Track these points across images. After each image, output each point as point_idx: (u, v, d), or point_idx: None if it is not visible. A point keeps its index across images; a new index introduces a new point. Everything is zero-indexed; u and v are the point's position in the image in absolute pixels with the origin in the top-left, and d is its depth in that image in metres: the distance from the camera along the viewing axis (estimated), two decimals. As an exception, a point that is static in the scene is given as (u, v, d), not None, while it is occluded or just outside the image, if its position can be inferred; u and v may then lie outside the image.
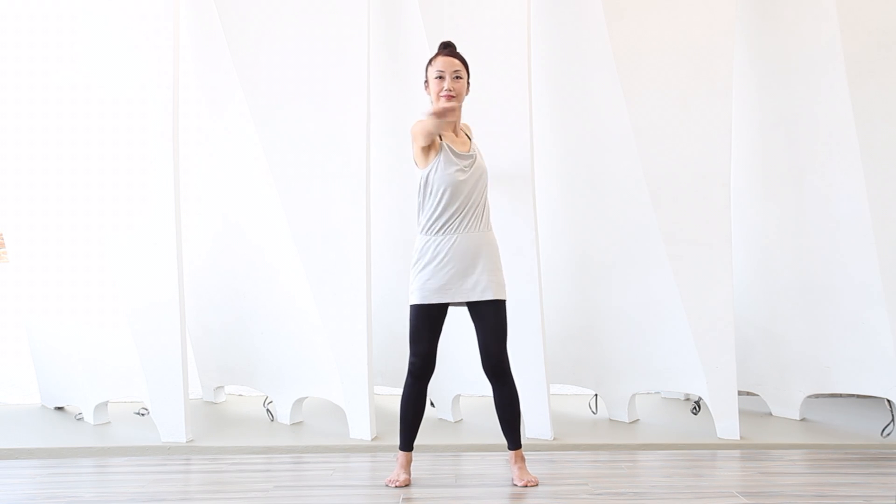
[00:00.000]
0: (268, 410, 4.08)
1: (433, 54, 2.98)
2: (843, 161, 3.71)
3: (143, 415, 3.91)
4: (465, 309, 2.96)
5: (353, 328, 3.60)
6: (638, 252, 3.81)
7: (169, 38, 3.50)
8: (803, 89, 3.83)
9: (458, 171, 2.84)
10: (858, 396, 4.49)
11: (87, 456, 3.50)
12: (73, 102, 3.71)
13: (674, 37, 3.71)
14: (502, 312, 2.91)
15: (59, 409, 4.29)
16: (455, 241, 2.85)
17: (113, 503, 2.78)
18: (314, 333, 3.76)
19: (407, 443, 2.98)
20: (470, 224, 2.87)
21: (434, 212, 2.86)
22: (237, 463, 3.31)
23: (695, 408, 4.08)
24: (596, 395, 4.13)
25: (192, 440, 3.62)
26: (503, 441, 3.01)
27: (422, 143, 2.82)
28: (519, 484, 2.90)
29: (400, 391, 3.21)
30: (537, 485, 2.91)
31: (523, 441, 3.03)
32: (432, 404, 4.01)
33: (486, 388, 3.13)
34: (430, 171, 2.85)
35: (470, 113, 3.03)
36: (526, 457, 3.02)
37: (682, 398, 4.50)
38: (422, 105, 3.71)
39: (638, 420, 4.03)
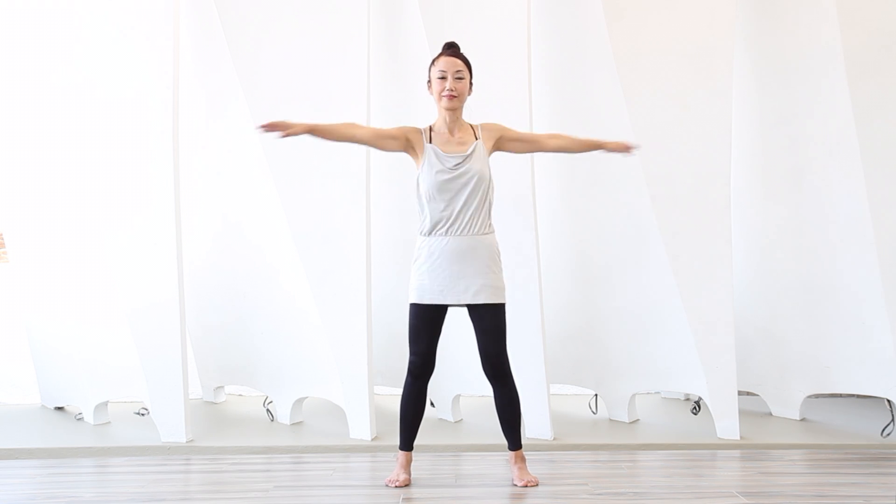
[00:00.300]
0: (268, 410, 4.08)
1: (436, 54, 2.97)
2: (843, 161, 3.71)
3: (143, 415, 3.91)
4: (466, 310, 2.96)
5: (353, 328, 3.60)
6: (638, 252, 3.81)
7: (169, 38, 3.50)
8: (803, 89, 3.83)
9: (439, 172, 2.84)
10: (858, 396, 4.49)
11: (87, 456, 3.50)
12: (73, 102, 3.71)
13: (674, 37, 3.71)
14: (500, 316, 2.88)
15: (59, 409, 4.29)
16: (447, 243, 2.85)
17: (113, 503, 2.78)
18: (314, 333, 3.76)
19: (407, 442, 2.98)
20: (462, 227, 2.84)
21: (423, 213, 2.89)
22: (237, 463, 3.31)
23: (695, 408, 4.08)
24: (596, 395, 4.13)
25: (192, 440, 3.62)
26: (503, 441, 3.01)
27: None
28: (519, 484, 2.90)
29: (400, 391, 3.21)
30: (537, 485, 2.91)
31: (523, 441, 3.03)
32: (432, 404, 4.01)
33: (486, 388, 3.13)
34: (419, 172, 2.89)
35: (470, 113, 3.03)
36: (526, 457, 3.02)
37: (682, 398, 4.51)
38: (422, 104, 3.73)
39: (638, 420, 4.03)
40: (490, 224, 2.91)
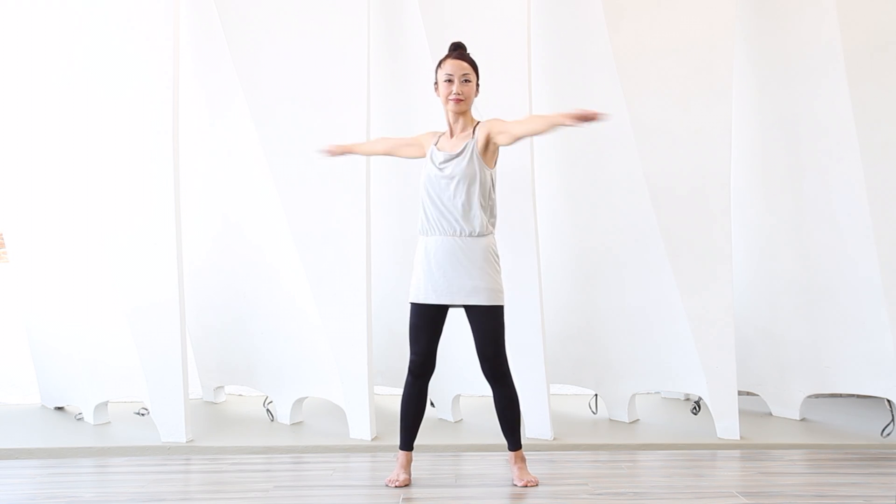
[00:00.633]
0: (268, 410, 4.08)
1: (439, 54, 2.97)
2: (843, 161, 3.71)
3: (143, 415, 3.91)
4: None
5: (353, 328, 3.60)
6: (638, 252, 3.80)
7: (169, 38, 3.49)
8: (803, 89, 3.83)
9: (429, 170, 2.89)
10: (858, 396, 4.49)
11: (87, 456, 3.50)
12: (73, 102, 3.70)
13: (674, 37, 3.71)
14: (496, 318, 2.87)
15: (59, 409, 4.29)
16: (440, 243, 2.86)
17: (113, 503, 2.78)
18: (314, 333, 3.76)
19: (407, 442, 2.98)
20: (453, 226, 2.84)
21: (420, 212, 2.93)
22: (237, 463, 3.31)
23: (695, 408, 4.08)
24: (596, 395, 4.13)
25: (192, 440, 3.62)
26: (503, 441, 3.01)
27: None
28: (519, 484, 2.90)
29: (400, 391, 3.21)
30: (537, 485, 2.91)
31: (523, 441, 3.03)
32: (432, 404, 4.01)
33: (486, 388, 3.13)
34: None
35: (477, 112, 3.02)
36: (526, 457, 3.02)
37: (682, 398, 4.51)
38: (422, 104, 3.73)
39: (638, 420, 4.03)
40: (487, 225, 2.87)
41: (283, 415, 3.98)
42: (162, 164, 3.53)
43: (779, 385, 4.08)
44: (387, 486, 2.93)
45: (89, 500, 2.80)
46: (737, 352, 3.78)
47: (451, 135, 2.93)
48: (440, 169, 2.87)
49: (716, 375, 3.68)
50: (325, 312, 3.67)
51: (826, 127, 3.76)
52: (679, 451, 3.50)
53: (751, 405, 4.25)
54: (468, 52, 2.94)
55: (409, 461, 2.99)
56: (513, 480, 2.94)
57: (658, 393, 4.62)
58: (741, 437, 3.66)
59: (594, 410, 4.13)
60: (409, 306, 2.96)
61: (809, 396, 4.12)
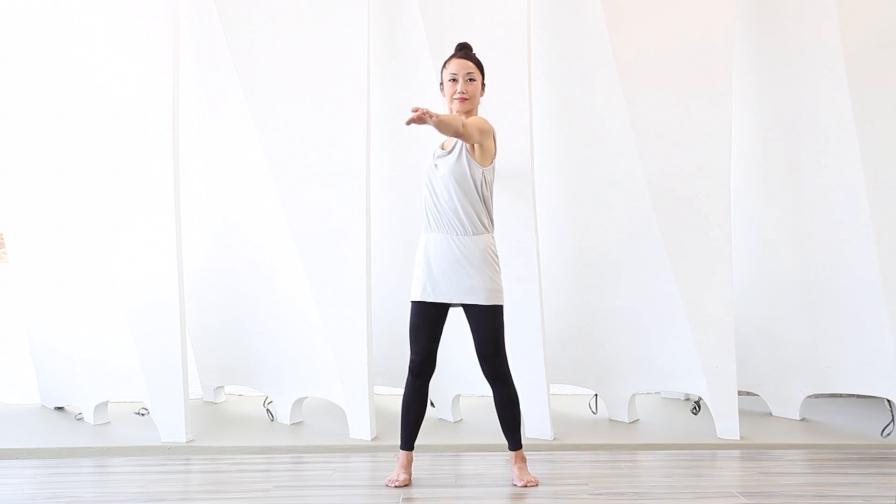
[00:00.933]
0: (268, 410, 4.08)
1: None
2: (843, 161, 3.71)
3: (143, 415, 3.91)
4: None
5: (353, 328, 3.60)
6: (638, 252, 3.80)
7: (169, 38, 3.50)
8: (803, 89, 3.83)
9: (428, 167, 2.91)
10: (858, 396, 4.49)
11: (87, 456, 3.50)
12: (73, 102, 3.71)
13: (674, 37, 3.71)
14: (494, 317, 2.88)
15: (59, 409, 4.29)
16: (439, 241, 2.87)
17: (113, 503, 2.78)
18: (314, 333, 3.76)
19: (407, 442, 2.98)
20: (448, 225, 2.85)
21: (423, 209, 2.94)
22: (237, 463, 3.31)
23: (695, 408, 4.08)
24: (596, 395, 4.13)
25: (192, 440, 3.62)
26: (503, 441, 3.01)
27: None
28: (519, 484, 2.90)
29: (400, 391, 3.21)
30: (537, 485, 2.91)
31: (523, 441, 3.03)
32: (432, 404, 4.00)
33: (486, 388, 3.13)
34: None
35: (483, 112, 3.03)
36: (526, 457, 3.02)
37: (682, 398, 4.51)
38: (422, 104, 3.72)
39: (638, 420, 4.03)
40: (483, 225, 2.87)
41: (283, 415, 3.98)
42: (162, 164, 3.53)
43: (779, 385, 4.08)
44: (387, 486, 2.93)
45: (89, 500, 2.80)
46: (737, 352, 3.78)
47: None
48: (436, 166, 2.88)
49: (716, 375, 3.68)
50: (325, 312, 3.67)
51: (826, 127, 3.76)
52: (679, 451, 3.50)
53: (751, 405, 4.25)
54: (474, 52, 2.94)
55: (409, 461, 2.99)
56: (513, 480, 2.94)
57: (658, 393, 4.62)
58: (741, 437, 3.66)
59: (594, 410, 4.13)
60: (409, 306, 2.96)
61: (809, 396, 4.12)
